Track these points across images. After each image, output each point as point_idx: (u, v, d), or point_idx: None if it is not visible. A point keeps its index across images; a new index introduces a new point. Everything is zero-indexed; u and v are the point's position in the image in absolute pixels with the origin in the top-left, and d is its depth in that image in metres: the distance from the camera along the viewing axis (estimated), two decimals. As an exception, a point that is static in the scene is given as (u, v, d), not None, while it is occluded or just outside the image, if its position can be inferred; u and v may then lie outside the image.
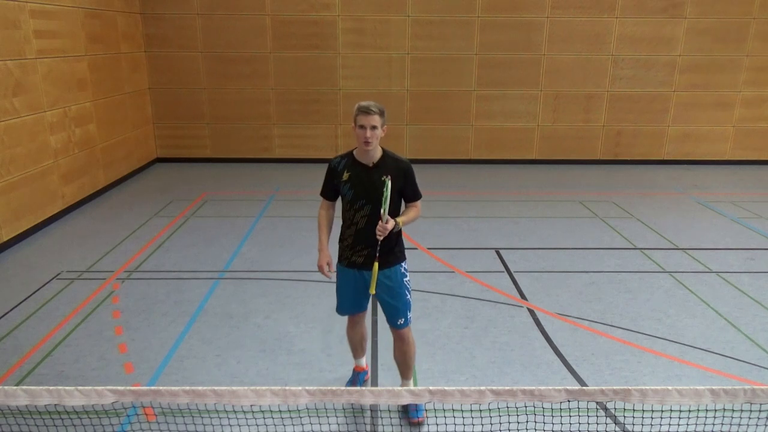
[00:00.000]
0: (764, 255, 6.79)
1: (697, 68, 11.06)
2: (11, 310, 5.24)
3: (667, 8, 10.72)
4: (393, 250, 3.54)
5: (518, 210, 8.53)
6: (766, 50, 10.99)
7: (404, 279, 3.59)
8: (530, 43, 10.85)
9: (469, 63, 10.94)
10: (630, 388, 2.25)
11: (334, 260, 3.66)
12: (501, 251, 6.82)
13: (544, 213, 8.40)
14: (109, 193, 9.28)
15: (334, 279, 3.71)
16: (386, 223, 3.31)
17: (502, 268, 6.32)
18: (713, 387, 2.25)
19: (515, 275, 6.13)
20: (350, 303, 3.72)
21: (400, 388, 2.27)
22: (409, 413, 3.72)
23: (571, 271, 6.27)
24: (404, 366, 3.82)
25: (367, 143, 3.34)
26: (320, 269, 3.58)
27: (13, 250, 6.75)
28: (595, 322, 5.13)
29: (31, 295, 5.54)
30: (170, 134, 11.31)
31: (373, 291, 3.44)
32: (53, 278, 5.94)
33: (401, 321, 3.63)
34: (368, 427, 3.71)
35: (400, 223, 3.42)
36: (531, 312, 5.29)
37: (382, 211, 3.32)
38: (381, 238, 3.33)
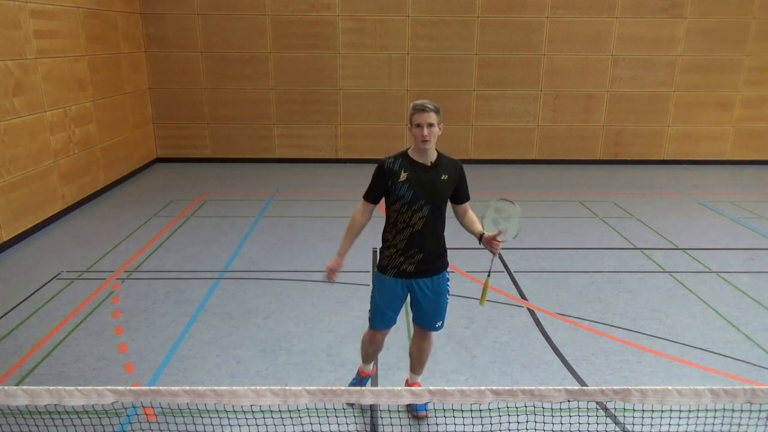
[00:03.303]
0: (764, 255, 6.79)
1: (697, 68, 11.06)
2: (11, 310, 5.24)
3: (667, 8, 10.72)
4: (442, 255, 3.52)
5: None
6: (766, 50, 10.99)
7: (447, 284, 3.59)
8: (530, 43, 10.85)
9: (469, 63, 10.94)
10: (630, 388, 2.25)
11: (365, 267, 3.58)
12: (501, 251, 6.80)
13: (544, 213, 8.40)
14: (109, 193, 9.28)
15: (332, 282, 3.59)
16: (498, 237, 3.34)
17: (502, 268, 6.32)
18: (713, 387, 2.25)
19: (515, 275, 6.13)
20: (390, 317, 3.61)
21: (400, 388, 2.26)
22: (414, 407, 3.74)
23: (571, 271, 6.26)
24: (418, 362, 3.82)
25: (425, 141, 3.27)
26: (329, 271, 3.47)
27: (13, 250, 6.75)
28: (595, 322, 5.13)
29: (31, 295, 5.54)
30: (170, 134, 11.31)
31: (484, 303, 3.45)
32: (53, 278, 5.94)
33: (439, 324, 3.63)
34: (368, 427, 3.71)
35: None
36: (531, 312, 5.29)
37: (496, 232, 3.34)
38: (498, 254, 3.38)
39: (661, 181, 10.41)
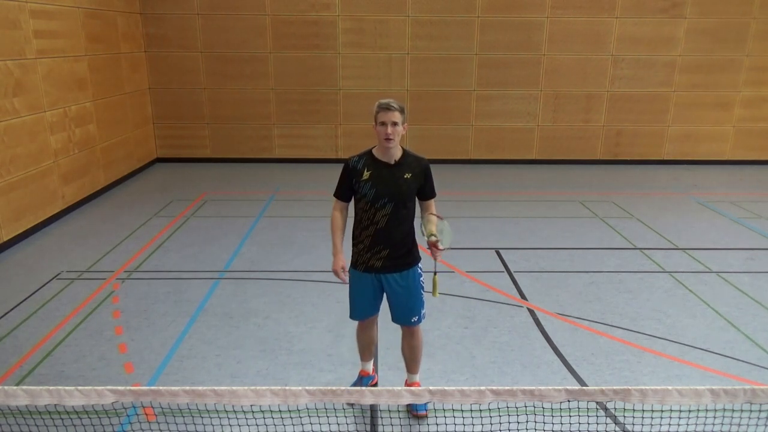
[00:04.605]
0: (764, 255, 6.79)
1: (697, 68, 11.06)
2: (11, 310, 5.24)
3: (667, 8, 10.72)
4: (411, 251, 3.56)
5: (518, 210, 8.53)
6: (766, 50, 10.99)
7: (420, 279, 3.63)
8: (530, 43, 10.85)
9: (469, 63, 10.94)
10: (630, 388, 2.25)
11: (348, 263, 3.64)
12: (501, 251, 6.82)
13: (544, 213, 8.40)
14: (109, 193, 9.28)
15: (347, 282, 3.67)
16: (438, 244, 3.34)
17: (502, 268, 6.32)
18: (713, 387, 2.25)
19: (515, 275, 6.13)
20: (365, 308, 3.70)
21: (400, 388, 2.26)
22: (414, 407, 3.74)
23: (571, 271, 6.26)
24: (411, 361, 3.84)
25: (388, 140, 3.34)
26: (336, 274, 3.54)
27: (13, 250, 6.75)
28: (595, 322, 5.13)
29: (31, 295, 5.54)
30: (170, 134, 11.31)
31: (436, 294, 3.47)
32: (53, 278, 5.94)
33: (415, 319, 3.66)
34: (368, 427, 3.71)
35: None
36: (531, 312, 5.29)
37: (433, 239, 3.33)
38: (439, 258, 3.41)
39: (661, 181, 10.40)
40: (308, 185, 9.84)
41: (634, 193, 9.51)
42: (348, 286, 3.71)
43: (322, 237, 7.20)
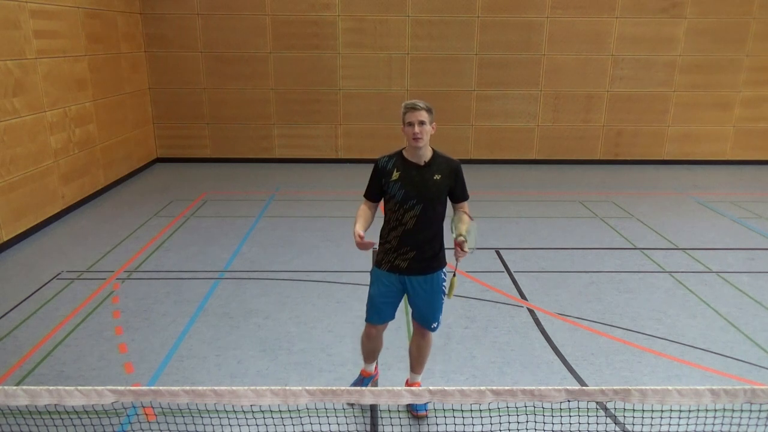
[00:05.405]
0: (764, 255, 6.79)
1: (697, 68, 11.06)
2: (11, 310, 5.24)
3: (667, 8, 10.72)
4: (437, 255, 3.51)
5: (518, 210, 8.52)
6: (766, 50, 10.99)
7: (443, 283, 3.59)
8: (530, 43, 10.85)
9: (469, 63, 10.94)
10: (630, 388, 2.25)
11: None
12: (501, 251, 6.82)
13: (544, 213, 8.40)
14: (109, 193, 9.28)
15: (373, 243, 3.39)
16: (464, 246, 3.26)
17: (502, 268, 6.32)
18: (713, 387, 2.25)
19: (515, 275, 6.13)
20: (384, 311, 3.63)
21: (400, 388, 2.26)
22: (414, 407, 3.74)
23: (571, 271, 6.26)
24: (417, 361, 3.83)
25: (416, 139, 3.29)
26: (360, 246, 3.25)
27: (13, 250, 6.75)
28: (595, 322, 5.13)
29: (31, 295, 5.54)
30: (170, 134, 11.31)
31: (450, 296, 3.41)
32: (53, 278, 5.94)
33: (435, 324, 3.64)
34: (368, 427, 3.71)
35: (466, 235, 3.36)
36: (531, 312, 5.29)
37: (461, 239, 3.26)
38: (461, 260, 3.33)
39: (661, 181, 10.40)
40: (308, 185, 9.84)
41: (634, 193, 9.51)
42: (368, 286, 3.67)
43: (322, 237, 7.21)
